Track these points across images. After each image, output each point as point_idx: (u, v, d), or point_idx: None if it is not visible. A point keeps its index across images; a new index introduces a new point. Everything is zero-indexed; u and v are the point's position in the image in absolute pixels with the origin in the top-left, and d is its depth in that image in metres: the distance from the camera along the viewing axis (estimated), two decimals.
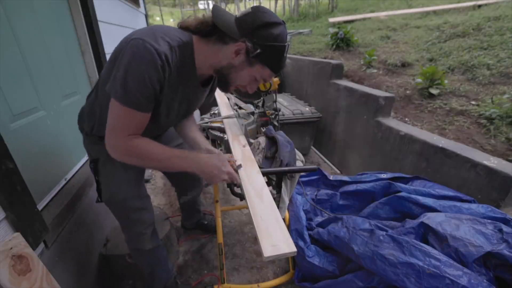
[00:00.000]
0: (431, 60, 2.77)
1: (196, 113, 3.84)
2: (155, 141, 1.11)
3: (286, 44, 0.80)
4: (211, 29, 0.80)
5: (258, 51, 0.76)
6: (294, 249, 0.68)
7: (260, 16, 0.76)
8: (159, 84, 0.75)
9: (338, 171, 2.63)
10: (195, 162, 0.87)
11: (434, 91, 2.20)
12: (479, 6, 3.90)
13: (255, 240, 1.73)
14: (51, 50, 1.34)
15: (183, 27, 0.84)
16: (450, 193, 1.26)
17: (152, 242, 1.15)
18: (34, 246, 0.91)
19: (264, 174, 1.06)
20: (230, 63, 0.81)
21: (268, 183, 1.16)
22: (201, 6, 13.13)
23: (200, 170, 0.87)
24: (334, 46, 3.64)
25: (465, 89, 2.19)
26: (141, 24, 3.75)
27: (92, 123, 0.96)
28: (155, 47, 0.70)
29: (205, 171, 0.87)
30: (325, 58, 3.45)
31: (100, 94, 0.89)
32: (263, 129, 1.48)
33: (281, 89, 3.87)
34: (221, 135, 1.48)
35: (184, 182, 1.49)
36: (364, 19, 4.79)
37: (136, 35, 0.72)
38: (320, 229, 1.32)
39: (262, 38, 0.76)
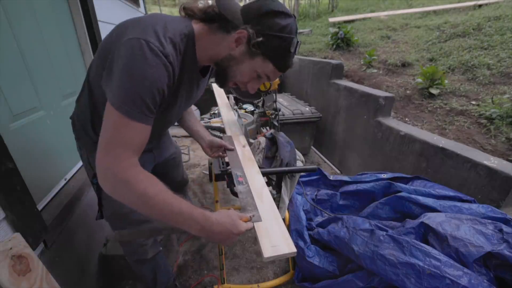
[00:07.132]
0: (431, 60, 2.76)
1: (196, 112, 3.85)
2: (158, 143, 1.04)
3: (293, 37, 0.70)
4: (214, 15, 0.71)
5: (260, 39, 0.67)
6: (294, 249, 0.68)
7: (268, 3, 0.68)
8: (167, 90, 0.66)
9: (338, 171, 2.62)
10: (204, 227, 0.66)
11: (434, 91, 2.20)
12: (480, 6, 3.89)
13: (255, 240, 1.72)
14: (51, 50, 1.34)
15: (187, 12, 0.75)
16: (450, 193, 1.26)
17: (153, 249, 1.11)
18: (34, 246, 0.91)
19: (264, 174, 1.05)
20: (230, 54, 0.73)
21: (268, 183, 1.16)
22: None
23: (208, 235, 0.68)
24: (334, 46, 3.64)
25: (465, 89, 2.19)
26: None
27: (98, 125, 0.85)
28: (160, 49, 0.60)
29: (216, 238, 0.69)
30: (325, 58, 3.45)
31: (96, 92, 0.78)
32: (264, 130, 1.48)
33: (281, 89, 3.86)
34: (221, 135, 1.48)
35: (171, 182, 1.47)
36: (364, 19, 4.79)
37: (134, 34, 0.61)
38: (320, 229, 1.32)
39: (266, 26, 0.67)
